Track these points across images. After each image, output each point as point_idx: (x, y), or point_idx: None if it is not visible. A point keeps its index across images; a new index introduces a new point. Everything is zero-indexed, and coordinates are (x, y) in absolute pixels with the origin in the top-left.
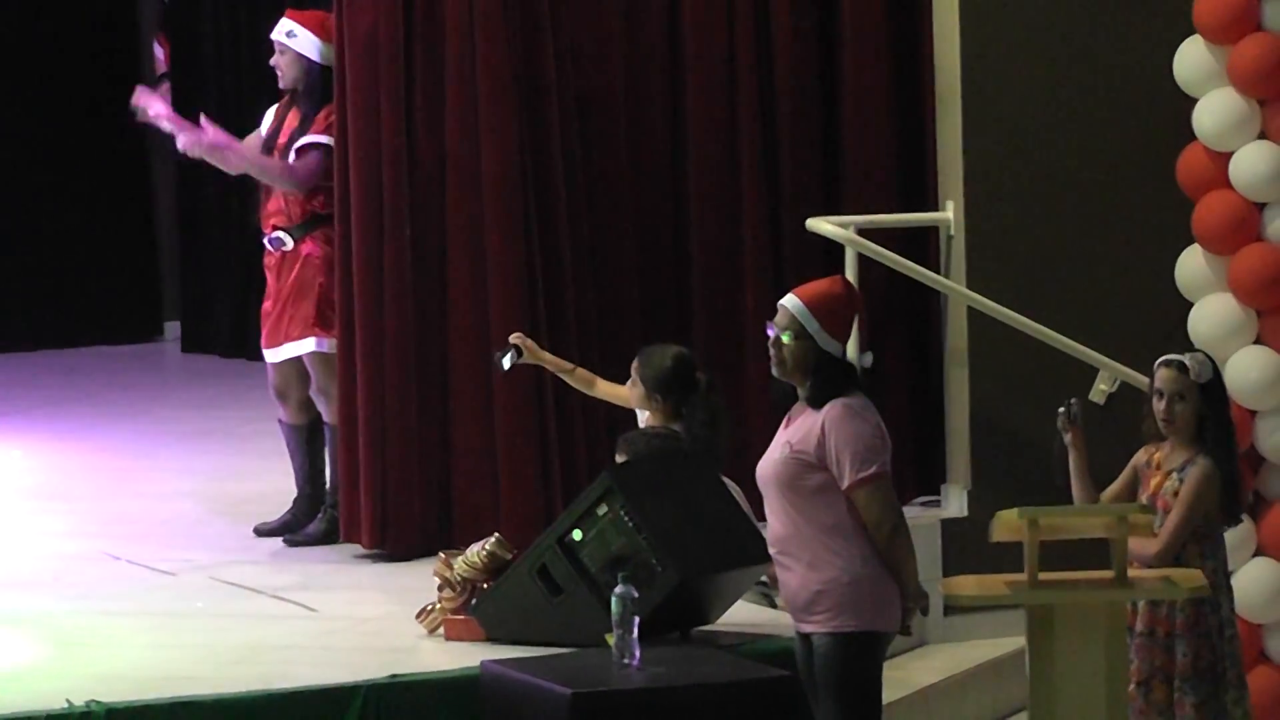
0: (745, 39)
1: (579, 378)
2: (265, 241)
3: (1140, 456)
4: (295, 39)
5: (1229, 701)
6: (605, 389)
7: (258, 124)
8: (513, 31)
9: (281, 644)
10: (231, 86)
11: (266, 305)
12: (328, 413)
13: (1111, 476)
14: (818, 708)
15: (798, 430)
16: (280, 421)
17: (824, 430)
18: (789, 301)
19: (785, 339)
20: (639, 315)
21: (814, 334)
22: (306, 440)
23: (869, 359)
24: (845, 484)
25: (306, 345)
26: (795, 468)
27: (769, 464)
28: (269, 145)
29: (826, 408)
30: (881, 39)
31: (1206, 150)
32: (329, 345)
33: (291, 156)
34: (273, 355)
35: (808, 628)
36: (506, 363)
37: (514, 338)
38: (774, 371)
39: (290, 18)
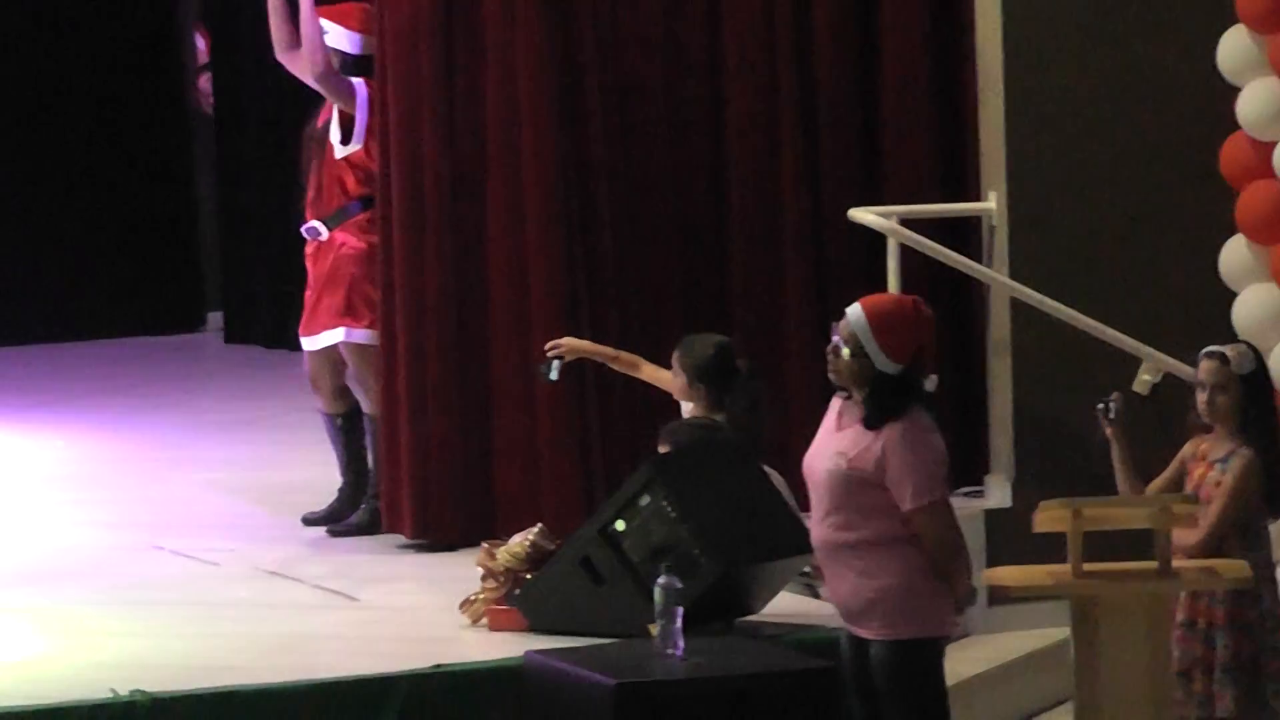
0: (786, 27)
1: (623, 362)
2: (304, 231)
3: (1187, 448)
4: (326, 35)
5: (1269, 694)
6: (650, 372)
7: (302, 115)
8: (552, 19)
9: (324, 634)
10: (272, 78)
11: (307, 294)
12: (365, 402)
13: (1156, 467)
14: (860, 706)
15: (853, 442)
16: (320, 412)
17: (884, 453)
18: (852, 312)
19: (844, 352)
20: (680, 304)
21: (870, 353)
22: (344, 429)
23: (933, 383)
24: (906, 508)
25: (336, 335)
26: (851, 483)
27: (821, 471)
28: (321, 138)
29: (885, 429)
30: (923, 27)
31: (1249, 139)
32: (360, 335)
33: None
34: (308, 344)
35: (863, 634)
36: (554, 374)
37: (551, 350)
38: (829, 375)
39: (320, 15)
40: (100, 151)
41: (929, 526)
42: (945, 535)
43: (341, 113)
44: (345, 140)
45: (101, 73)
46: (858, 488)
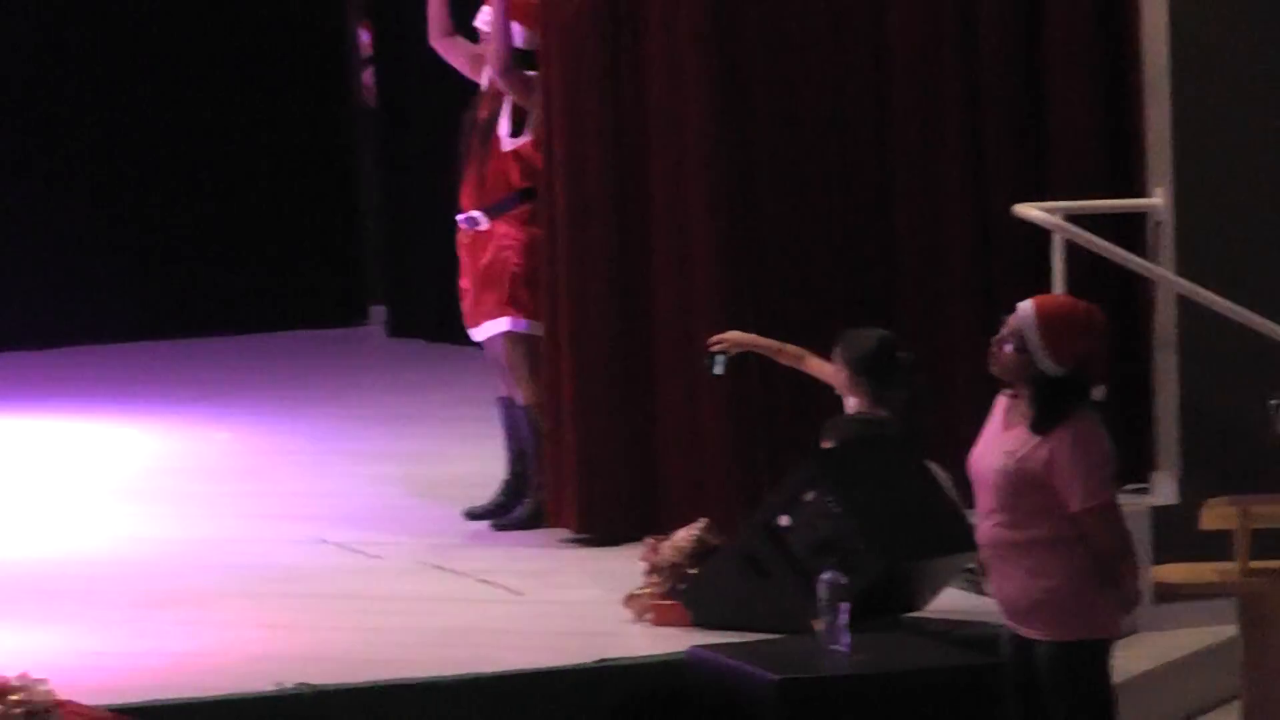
0: (950, 20)
1: (788, 355)
2: (460, 220)
3: None
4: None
5: None
6: (815, 366)
7: (462, 106)
8: (715, 10)
9: (488, 628)
10: (435, 71)
11: (463, 284)
12: (521, 394)
13: None
14: (1021, 704)
15: (1021, 442)
16: (498, 399)
17: (1052, 454)
18: (1023, 308)
19: (1007, 347)
20: (843, 298)
21: (1033, 350)
22: (519, 419)
23: (1101, 393)
24: (1074, 509)
25: (499, 325)
26: (1019, 483)
27: (988, 470)
28: (484, 129)
29: (1054, 434)
30: (1089, 20)
31: None
32: (522, 326)
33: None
34: (475, 334)
35: (1029, 633)
36: (719, 369)
37: (715, 345)
38: (991, 368)
39: (491, 5)
40: (264, 145)
41: (1097, 528)
42: (1114, 537)
43: (514, 104)
44: (515, 132)
45: (265, 67)
46: (1026, 488)
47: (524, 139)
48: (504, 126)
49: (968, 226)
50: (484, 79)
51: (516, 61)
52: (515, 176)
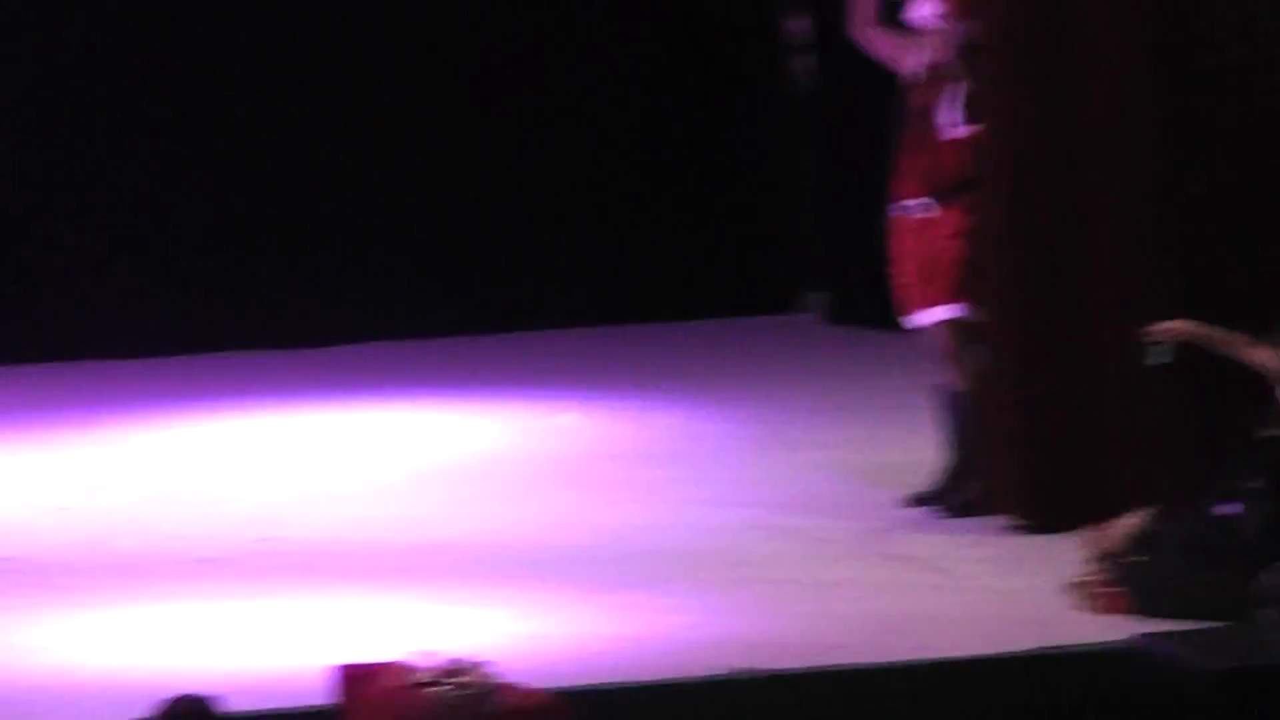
0: None
1: (1229, 343)
2: (897, 207)
3: None
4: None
5: None
6: (1255, 353)
7: (898, 93)
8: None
9: (930, 614)
10: (871, 60)
11: (900, 270)
12: (960, 379)
13: None
14: None
15: None
16: (934, 386)
17: None
18: None
19: None
20: None
21: None
22: (960, 406)
23: None
24: None
25: (943, 312)
26: None
27: None
28: (921, 120)
29: None
30: None
31: None
32: (965, 313)
33: None
34: (915, 321)
35: None
36: (1162, 357)
37: (1156, 335)
38: None
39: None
40: (699, 135)
41: None
42: None
43: (968, 94)
44: (962, 120)
45: (696, 53)
46: None
47: (973, 127)
48: (950, 115)
49: None
50: (916, 68)
51: (961, 52)
52: (963, 165)
